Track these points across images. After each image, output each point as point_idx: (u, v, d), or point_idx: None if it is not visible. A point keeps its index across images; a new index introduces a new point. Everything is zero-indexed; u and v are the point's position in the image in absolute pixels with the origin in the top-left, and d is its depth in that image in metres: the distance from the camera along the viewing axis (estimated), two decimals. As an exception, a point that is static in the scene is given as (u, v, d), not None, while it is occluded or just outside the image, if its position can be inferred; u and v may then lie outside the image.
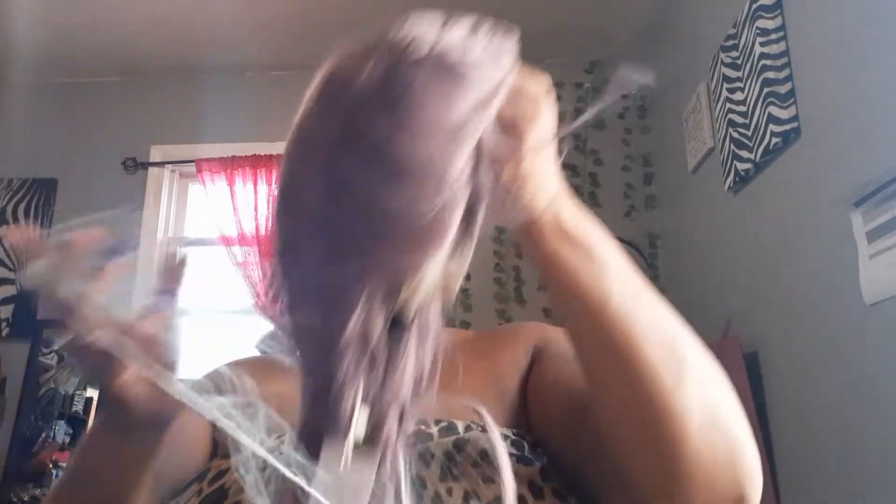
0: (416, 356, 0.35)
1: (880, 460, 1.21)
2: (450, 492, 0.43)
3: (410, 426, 0.36)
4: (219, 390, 0.64)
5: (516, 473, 0.44)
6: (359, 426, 0.33)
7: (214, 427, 0.60)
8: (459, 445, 0.46)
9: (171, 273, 0.42)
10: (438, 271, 0.34)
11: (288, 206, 0.34)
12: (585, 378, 0.42)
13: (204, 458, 0.57)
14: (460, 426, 0.49)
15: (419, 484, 0.43)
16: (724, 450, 0.40)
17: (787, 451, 1.54)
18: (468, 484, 0.43)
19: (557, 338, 0.59)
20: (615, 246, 0.40)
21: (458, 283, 0.37)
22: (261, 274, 2.61)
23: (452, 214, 0.33)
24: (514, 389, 0.57)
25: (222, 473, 0.50)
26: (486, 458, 0.45)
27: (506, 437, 0.49)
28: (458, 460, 0.45)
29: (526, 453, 0.48)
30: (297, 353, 0.35)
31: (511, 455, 0.45)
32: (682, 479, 0.39)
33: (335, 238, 0.32)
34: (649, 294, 0.40)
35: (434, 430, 0.49)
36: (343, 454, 0.33)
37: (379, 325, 0.33)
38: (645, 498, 0.42)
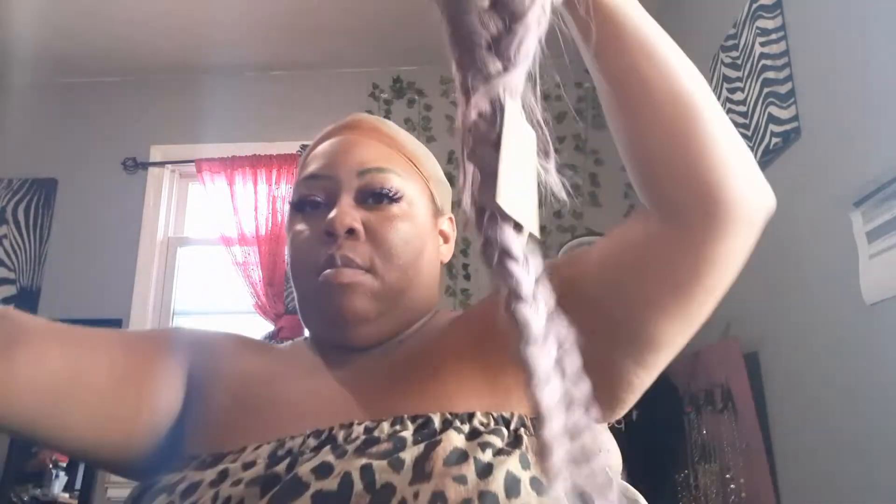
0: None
1: (881, 460, 1.21)
2: (416, 495, 0.42)
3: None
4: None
5: (492, 469, 0.43)
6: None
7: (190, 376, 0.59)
8: (431, 447, 0.45)
9: None
10: None
11: None
12: (619, 106, 0.47)
13: (169, 402, 0.57)
14: (436, 421, 0.48)
15: (388, 491, 0.42)
16: (748, 160, 0.48)
17: (788, 450, 1.54)
18: (437, 484, 0.42)
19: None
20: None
21: None
22: (261, 274, 2.61)
23: None
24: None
25: (195, 487, 0.47)
26: (460, 458, 0.44)
27: (485, 426, 0.48)
28: (430, 460, 0.44)
29: (504, 444, 0.47)
30: None
31: (487, 446, 0.45)
32: (718, 173, 0.45)
33: None
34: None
35: (410, 430, 0.48)
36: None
37: None
38: (687, 211, 0.47)
